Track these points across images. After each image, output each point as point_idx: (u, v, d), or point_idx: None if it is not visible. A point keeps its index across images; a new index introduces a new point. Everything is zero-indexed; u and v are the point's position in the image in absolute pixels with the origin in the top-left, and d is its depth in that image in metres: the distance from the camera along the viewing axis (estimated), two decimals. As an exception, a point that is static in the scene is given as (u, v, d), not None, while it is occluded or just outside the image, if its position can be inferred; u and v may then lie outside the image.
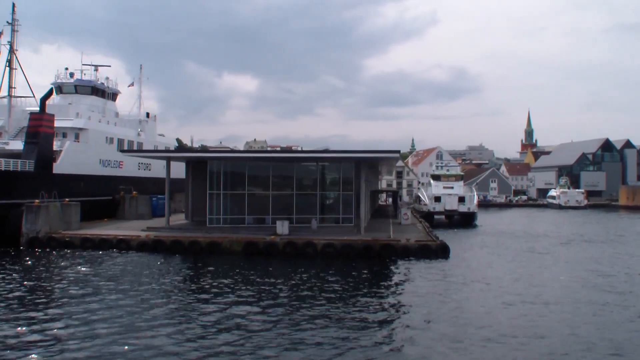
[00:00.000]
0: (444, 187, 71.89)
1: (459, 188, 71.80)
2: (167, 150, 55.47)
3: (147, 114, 67.77)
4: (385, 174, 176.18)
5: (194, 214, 49.15)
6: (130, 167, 59.76)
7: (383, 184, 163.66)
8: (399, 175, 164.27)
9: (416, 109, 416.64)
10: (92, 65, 62.65)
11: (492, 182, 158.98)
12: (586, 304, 23.64)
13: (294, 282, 28.36)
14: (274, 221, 43.74)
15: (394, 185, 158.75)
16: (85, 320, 19.99)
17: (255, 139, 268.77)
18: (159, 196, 57.89)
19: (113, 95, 64.04)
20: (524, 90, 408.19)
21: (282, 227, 40.43)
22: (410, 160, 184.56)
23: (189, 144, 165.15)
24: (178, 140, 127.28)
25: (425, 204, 69.86)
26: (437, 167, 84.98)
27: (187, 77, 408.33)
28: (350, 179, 45.90)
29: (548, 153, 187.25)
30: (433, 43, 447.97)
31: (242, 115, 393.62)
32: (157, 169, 64.43)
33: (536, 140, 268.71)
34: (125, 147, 58.64)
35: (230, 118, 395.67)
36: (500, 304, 23.12)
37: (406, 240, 36.93)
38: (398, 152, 39.25)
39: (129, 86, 73.90)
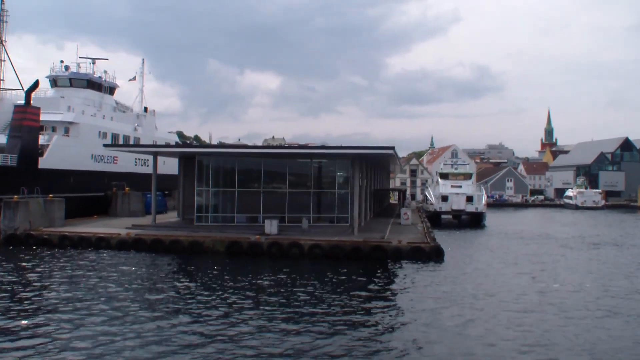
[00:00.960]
0: (452, 186, 69.23)
1: (468, 187, 69.11)
2: (153, 145, 53.67)
3: (145, 109, 66.33)
4: (399, 172, 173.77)
5: (185, 212, 47.47)
6: (126, 162, 58.31)
7: (397, 182, 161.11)
8: (413, 173, 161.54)
9: (438, 107, 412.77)
10: (89, 58, 61.32)
11: (508, 181, 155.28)
12: (580, 320, 21.26)
13: (268, 284, 26.42)
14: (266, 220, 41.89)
15: (408, 184, 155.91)
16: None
17: (273, 137, 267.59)
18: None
19: (111, 89, 62.66)
20: (546, 88, 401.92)
21: (271, 227, 38.49)
22: (425, 158, 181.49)
23: (207, 142, 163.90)
24: (180, 134, 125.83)
25: (432, 203, 67.32)
26: (445, 165, 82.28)
27: (209, 74, 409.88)
28: (347, 176, 43.84)
29: (567, 152, 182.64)
30: (455, 41, 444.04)
31: (264, 113, 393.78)
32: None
33: (556, 139, 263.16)
34: (121, 142, 57.22)
35: (252, 116, 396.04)
36: (486, 327, 19.92)
37: (398, 242, 34.69)
38: (392, 148, 36.97)
39: (130, 80, 72.60)
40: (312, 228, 40.85)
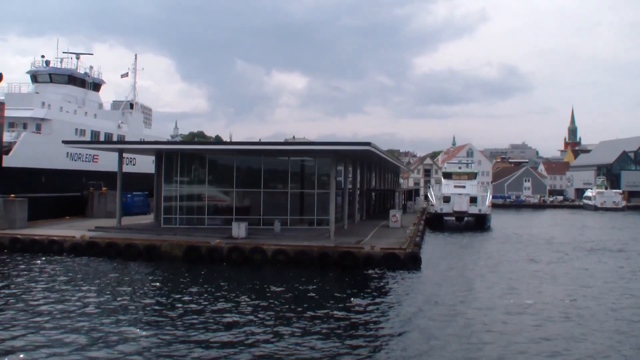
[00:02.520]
0: (455, 186, 65.39)
1: (472, 187, 65.21)
2: (119, 142, 50.66)
3: (131, 105, 63.76)
4: (414, 173, 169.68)
5: (160, 213, 44.68)
6: (108, 161, 55.61)
7: (410, 182, 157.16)
8: (427, 173, 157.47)
9: (466, 107, 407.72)
10: (74, 53, 59.13)
11: (525, 181, 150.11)
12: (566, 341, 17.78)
13: (206, 295, 23.34)
14: (240, 221, 38.95)
15: (422, 184, 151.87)
16: None
17: (294, 136, 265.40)
18: (135, 193, 53.88)
19: (95, 85, 60.37)
20: (575, 88, 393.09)
21: (239, 230, 35.54)
22: (440, 158, 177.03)
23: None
24: (201, 134, 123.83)
25: (432, 205, 63.54)
26: (449, 164, 78.41)
27: (236, 75, 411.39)
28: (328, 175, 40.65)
29: (588, 151, 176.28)
30: (483, 41, 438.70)
31: (291, 113, 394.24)
32: (143, 163, 60.34)
33: (580, 139, 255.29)
34: (102, 140, 54.80)
35: (279, 116, 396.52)
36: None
37: (370, 248, 31.35)
38: (368, 144, 33.64)
39: (122, 76, 70.04)
40: (287, 231, 37.79)
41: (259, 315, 20.29)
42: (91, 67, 60.71)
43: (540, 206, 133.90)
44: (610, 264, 35.67)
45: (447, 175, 68.99)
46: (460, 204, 61.41)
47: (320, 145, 37.70)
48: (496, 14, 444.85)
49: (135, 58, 70.75)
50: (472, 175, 68.14)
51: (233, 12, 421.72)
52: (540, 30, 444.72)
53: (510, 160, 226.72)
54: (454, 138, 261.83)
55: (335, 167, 36.36)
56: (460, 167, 71.50)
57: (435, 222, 62.16)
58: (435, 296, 24.16)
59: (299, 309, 21.49)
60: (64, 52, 58.33)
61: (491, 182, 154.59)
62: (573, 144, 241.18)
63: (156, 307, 21.51)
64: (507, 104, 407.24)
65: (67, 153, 49.96)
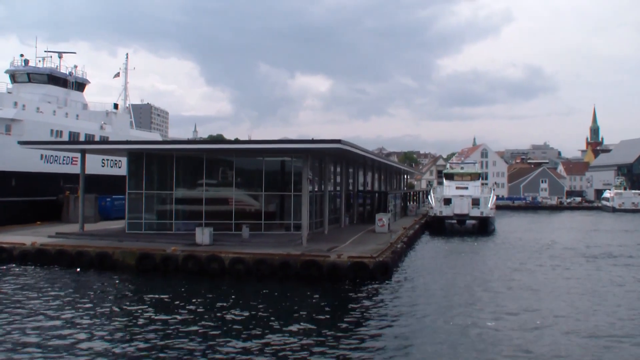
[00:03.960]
0: (457, 188, 61.80)
1: (475, 189, 61.52)
2: (81, 142, 47.74)
3: (116, 105, 61.54)
4: (427, 174, 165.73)
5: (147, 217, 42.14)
6: (89, 164, 53.38)
7: (423, 184, 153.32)
8: (440, 174, 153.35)
9: (490, 108, 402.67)
10: (56, 52, 57.18)
11: (542, 182, 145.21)
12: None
13: (129, 310, 20.58)
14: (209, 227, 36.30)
15: (435, 185, 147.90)
16: None
17: (313, 138, 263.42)
18: (116, 196, 51.53)
19: (79, 85, 58.32)
20: (600, 88, 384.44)
21: (202, 236, 32.84)
22: (454, 159, 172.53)
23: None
24: (220, 137, 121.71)
25: (432, 207, 60.06)
26: (451, 164, 74.75)
27: (260, 78, 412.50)
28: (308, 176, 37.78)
29: (609, 151, 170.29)
30: (507, 41, 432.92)
31: (315, 116, 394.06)
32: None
33: (602, 138, 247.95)
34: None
35: (302, 119, 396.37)
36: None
37: (337, 257, 28.32)
38: (339, 141, 30.64)
39: (114, 77, 68.09)
40: (257, 237, 34.93)
41: (173, 339, 17.49)
42: (75, 67, 58.78)
43: (558, 208, 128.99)
44: (609, 273, 32.03)
45: (449, 176, 65.40)
46: (461, 206, 57.88)
47: (288, 143, 34.75)
48: (520, 14, 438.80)
49: (127, 57, 68.45)
50: (475, 176, 64.43)
51: (256, 15, 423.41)
52: (564, 30, 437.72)
53: (529, 161, 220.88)
54: (474, 139, 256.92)
55: (308, 167, 33.39)
56: (462, 168, 67.85)
57: (436, 226, 58.74)
58: (386, 318, 20.94)
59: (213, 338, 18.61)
60: (45, 51, 56.53)
61: (507, 184, 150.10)
62: (595, 144, 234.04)
63: (62, 327, 18.81)
64: (531, 105, 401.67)
65: (42, 155, 47.89)
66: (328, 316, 20.83)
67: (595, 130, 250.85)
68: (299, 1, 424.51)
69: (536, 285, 27.67)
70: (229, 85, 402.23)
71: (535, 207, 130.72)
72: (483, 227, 58.26)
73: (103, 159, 55.77)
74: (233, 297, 24.01)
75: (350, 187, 52.49)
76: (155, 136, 72.69)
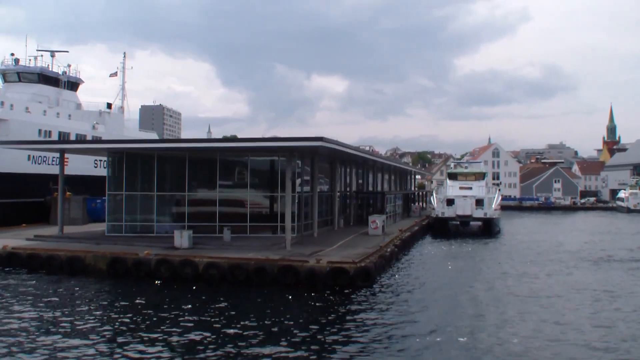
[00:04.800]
0: (460, 188, 59.69)
1: (479, 189, 59.35)
2: (58, 141, 45.81)
3: (109, 105, 60.27)
4: (438, 174, 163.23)
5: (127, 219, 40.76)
6: (81, 164, 52.30)
7: (434, 185, 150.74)
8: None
9: (508, 108, 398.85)
10: (48, 51, 56.14)
11: (555, 182, 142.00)
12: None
13: (87, 317, 19.01)
14: (192, 229, 34.81)
15: (437, 185, 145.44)
16: None
17: (294, 137, 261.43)
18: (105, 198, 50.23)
19: (72, 85, 57.21)
20: (619, 86, 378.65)
21: (181, 239, 31.29)
22: (466, 159, 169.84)
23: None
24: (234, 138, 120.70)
25: (434, 208, 58.01)
26: (455, 163, 72.58)
27: (277, 79, 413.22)
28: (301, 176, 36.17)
29: (625, 150, 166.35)
30: (525, 40, 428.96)
31: (332, 117, 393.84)
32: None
33: (619, 137, 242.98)
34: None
35: (319, 120, 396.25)
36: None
37: (316, 262, 26.59)
38: (321, 139, 28.92)
39: (110, 76, 67.03)
40: (240, 240, 33.27)
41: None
42: (69, 66, 57.74)
43: (571, 208, 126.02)
44: (608, 279, 29.89)
45: (452, 176, 63.23)
46: (464, 207, 55.79)
47: (270, 141, 33.15)
48: (537, 13, 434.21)
49: (124, 57, 67.29)
50: (480, 176, 62.24)
51: (272, 17, 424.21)
52: (582, 28, 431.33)
53: (543, 161, 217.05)
54: (489, 139, 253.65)
55: (291, 165, 31.67)
56: (466, 167, 65.63)
57: (438, 228, 56.67)
58: (346, 333, 19.18)
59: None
60: (37, 50, 55.52)
61: (519, 184, 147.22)
62: (611, 143, 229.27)
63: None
64: (549, 104, 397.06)
65: (29, 156, 46.79)
66: (281, 328, 19.10)
67: (612, 129, 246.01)
68: (316, 2, 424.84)
69: (521, 293, 25.66)
70: (246, 87, 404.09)
71: (548, 207, 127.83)
72: (487, 229, 56.11)
73: (95, 160, 54.62)
74: (196, 304, 22.37)
75: (346, 188, 50.76)
76: (152, 136, 71.40)
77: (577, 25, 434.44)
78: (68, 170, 49.63)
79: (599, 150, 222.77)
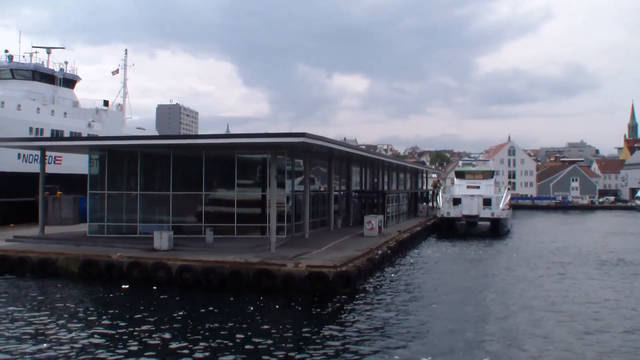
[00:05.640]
0: (468, 187, 57.49)
1: (487, 188, 57.10)
2: (38, 138, 43.97)
3: (106, 102, 59.07)
4: (452, 173, 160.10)
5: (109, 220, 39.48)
6: (76, 162, 51.07)
7: (448, 183, 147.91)
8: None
9: (530, 106, 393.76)
10: (44, 47, 55.19)
11: (573, 181, 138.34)
12: None
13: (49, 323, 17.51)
14: (177, 230, 33.45)
15: (446, 184, 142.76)
16: None
17: (345, 138, 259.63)
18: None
19: (68, 82, 56.18)
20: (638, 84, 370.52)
21: (161, 240, 29.82)
22: (481, 157, 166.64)
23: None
24: None
25: (439, 208, 55.82)
26: (463, 161, 70.21)
27: (298, 78, 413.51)
28: (284, 174, 34.55)
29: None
30: (548, 38, 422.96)
31: (353, 116, 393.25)
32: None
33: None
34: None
35: (341, 119, 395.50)
36: None
37: (294, 265, 24.85)
38: (303, 134, 27.17)
39: (113, 73, 66.10)
40: (224, 241, 31.66)
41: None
42: (66, 62, 56.76)
43: (589, 208, 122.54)
44: (610, 286, 27.71)
45: (460, 174, 60.97)
46: (470, 207, 53.61)
47: (251, 137, 31.43)
48: (560, 11, 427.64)
49: (126, 53, 66.41)
50: (488, 174, 59.91)
51: (293, 16, 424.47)
52: (605, 26, 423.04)
53: (562, 159, 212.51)
54: (509, 137, 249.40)
55: (276, 164, 29.92)
56: (474, 165, 63.28)
57: (444, 228, 54.53)
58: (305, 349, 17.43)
59: None
60: (33, 47, 54.64)
61: (535, 182, 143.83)
62: (632, 141, 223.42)
63: None
64: (572, 103, 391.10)
65: (19, 154, 45.77)
66: (239, 339, 17.41)
67: (633, 127, 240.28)
68: (337, 1, 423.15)
69: (506, 305, 23.66)
70: (267, 86, 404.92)
71: (565, 207, 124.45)
72: (495, 230, 53.86)
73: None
74: (157, 311, 20.79)
75: (348, 188, 48.95)
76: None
77: (600, 23, 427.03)
78: (63, 169, 48.83)
79: (620, 149, 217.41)
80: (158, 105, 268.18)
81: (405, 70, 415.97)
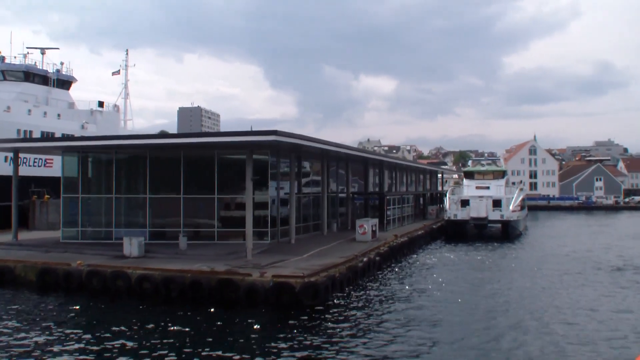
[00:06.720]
0: (477, 187, 54.61)
1: (498, 188, 54.12)
2: (11, 140, 41.11)
3: (101, 104, 57.66)
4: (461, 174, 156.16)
5: (83, 224, 37.96)
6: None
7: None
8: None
9: (559, 106, 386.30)
10: (38, 48, 54.15)
11: (597, 180, 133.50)
12: None
13: None
14: (155, 235, 31.69)
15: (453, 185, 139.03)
16: None
17: (369, 139, 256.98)
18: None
19: (63, 83, 54.98)
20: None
21: (130, 247, 27.98)
22: (502, 157, 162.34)
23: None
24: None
25: (446, 210, 53.00)
26: (473, 161, 67.11)
27: (325, 80, 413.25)
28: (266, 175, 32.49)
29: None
30: (575, 36, 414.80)
31: (380, 117, 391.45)
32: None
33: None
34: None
35: (368, 120, 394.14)
36: None
37: (260, 275, 22.67)
38: (274, 132, 25.03)
39: (113, 74, 65.01)
40: (199, 248, 29.66)
41: None
42: (62, 63, 55.61)
43: (613, 208, 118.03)
44: (610, 300, 24.94)
45: (469, 175, 58.07)
46: (479, 209, 50.71)
47: (223, 136, 29.42)
48: (588, 8, 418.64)
49: (127, 54, 65.24)
50: (499, 174, 56.90)
51: (319, 18, 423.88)
52: (634, 23, 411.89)
53: (587, 158, 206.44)
54: (534, 137, 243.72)
55: (251, 164, 27.79)
56: (483, 165, 60.33)
57: (450, 231, 51.64)
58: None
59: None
60: (27, 48, 53.51)
61: (557, 182, 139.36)
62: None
63: None
64: (601, 101, 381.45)
65: (7, 157, 44.53)
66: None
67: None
68: (363, 2, 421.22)
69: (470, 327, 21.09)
70: (294, 88, 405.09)
71: (588, 207, 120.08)
72: (505, 233, 50.85)
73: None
74: (101, 325, 18.82)
75: (348, 190, 46.67)
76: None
77: (629, 20, 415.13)
78: (54, 172, 47.42)
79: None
80: (179, 108, 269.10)
81: (432, 71, 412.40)
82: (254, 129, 32.04)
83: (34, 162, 46.80)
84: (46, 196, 44.91)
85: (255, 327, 18.94)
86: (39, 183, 46.59)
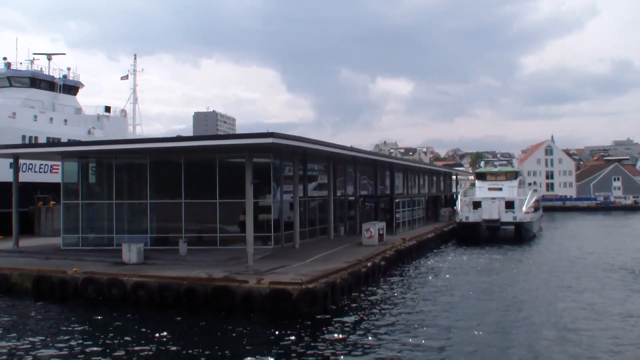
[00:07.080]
0: (490, 189, 53.32)
1: (511, 189, 52.76)
2: (10, 146, 40.63)
3: (107, 108, 57.36)
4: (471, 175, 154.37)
5: (84, 231, 37.46)
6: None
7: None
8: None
9: (577, 105, 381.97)
10: (44, 53, 54.06)
11: (614, 180, 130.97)
12: None
13: None
14: (157, 241, 31.16)
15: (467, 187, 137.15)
16: None
17: (385, 141, 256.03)
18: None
19: (70, 89, 54.81)
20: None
21: (129, 253, 27.43)
22: (518, 158, 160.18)
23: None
24: None
25: (458, 212, 51.80)
26: (486, 162, 65.80)
27: (341, 83, 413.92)
28: (269, 179, 31.76)
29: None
30: (593, 36, 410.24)
31: (397, 120, 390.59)
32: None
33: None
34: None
35: (385, 123, 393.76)
36: None
37: (257, 282, 21.87)
38: (272, 135, 24.31)
39: (122, 78, 65.02)
40: (200, 254, 29.02)
41: None
42: (69, 69, 55.47)
43: (632, 208, 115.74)
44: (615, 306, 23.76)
45: (481, 176, 56.79)
46: (491, 211, 49.40)
47: (219, 139, 28.90)
48: (605, 7, 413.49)
49: (135, 58, 65.11)
50: (512, 175, 55.54)
51: (335, 21, 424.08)
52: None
53: (606, 158, 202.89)
54: (552, 137, 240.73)
55: (251, 167, 27.02)
56: (496, 166, 58.98)
57: (462, 234, 50.37)
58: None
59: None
60: (34, 54, 53.45)
61: (575, 183, 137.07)
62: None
63: None
64: (621, 101, 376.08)
65: (11, 164, 44.21)
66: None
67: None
68: (379, 5, 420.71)
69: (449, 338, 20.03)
70: (311, 92, 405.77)
71: (606, 208, 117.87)
72: (518, 235, 49.57)
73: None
74: (95, 333, 18.16)
75: (357, 193, 45.80)
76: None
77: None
78: (58, 178, 47.13)
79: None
80: (195, 113, 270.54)
81: (449, 72, 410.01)
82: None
83: (40, 168, 46.59)
84: (52, 202, 44.62)
85: (249, 335, 18.16)
86: (44, 189, 46.34)
